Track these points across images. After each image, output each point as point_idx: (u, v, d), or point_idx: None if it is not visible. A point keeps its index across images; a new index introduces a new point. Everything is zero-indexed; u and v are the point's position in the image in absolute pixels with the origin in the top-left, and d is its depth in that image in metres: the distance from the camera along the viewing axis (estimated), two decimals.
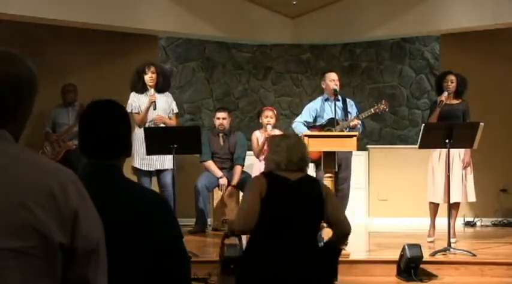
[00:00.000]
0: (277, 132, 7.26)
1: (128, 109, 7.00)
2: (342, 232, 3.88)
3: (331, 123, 6.87)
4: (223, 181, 7.74)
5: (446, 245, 6.29)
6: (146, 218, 2.25)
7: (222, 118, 7.87)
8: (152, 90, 6.95)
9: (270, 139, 4.21)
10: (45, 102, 7.97)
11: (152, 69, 7.03)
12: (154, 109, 6.92)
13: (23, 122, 1.61)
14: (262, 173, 4.05)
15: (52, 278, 1.46)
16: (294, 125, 7.22)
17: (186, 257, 2.35)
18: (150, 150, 6.51)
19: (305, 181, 3.87)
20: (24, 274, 1.42)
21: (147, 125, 6.95)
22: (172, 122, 7.16)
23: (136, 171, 7.06)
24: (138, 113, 7.02)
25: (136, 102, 7.04)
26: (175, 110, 7.29)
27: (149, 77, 6.98)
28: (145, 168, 7.02)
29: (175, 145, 6.29)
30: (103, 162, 2.31)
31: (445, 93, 6.99)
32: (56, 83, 7.94)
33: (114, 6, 7.83)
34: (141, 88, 7.02)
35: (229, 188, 7.79)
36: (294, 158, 3.84)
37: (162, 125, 7.01)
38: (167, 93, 7.22)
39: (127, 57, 8.52)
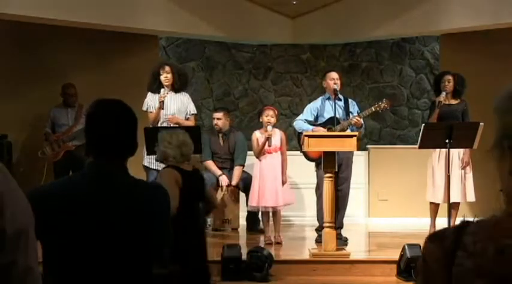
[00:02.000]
0: (277, 131, 7.27)
1: (144, 108, 7.03)
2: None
3: (332, 121, 6.87)
4: (223, 178, 7.75)
5: None
6: (150, 215, 2.34)
7: (216, 119, 7.90)
8: (162, 90, 6.95)
9: (160, 135, 4.84)
10: (44, 102, 8.00)
11: (167, 69, 7.00)
12: (162, 108, 6.91)
13: None
14: (169, 166, 4.67)
15: None
16: (294, 123, 7.23)
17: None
18: (151, 150, 6.50)
19: (195, 171, 4.77)
20: None
21: (160, 125, 6.95)
22: (190, 123, 7.05)
23: (145, 168, 7.09)
24: (152, 112, 7.04)
25: (152, 101, 7.05)
26: (193, 111, 7.18)
27: (164, 77, 6.96)
28: (154, 167, 7.04)
29: None
30: (107, 161, 2.35)
31: (443, 94, 7.00)
32: (55, 83, 7.95)
33: (114, 6, 7.83)
34: (157, 88, 7.02)
35: (230, 188, 7.79)
36: (184, 152, 4.64)
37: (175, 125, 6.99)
38: (184, 93, 7.15)
39: (127, 57, 8.52)
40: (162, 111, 6.96)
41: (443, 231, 1.36)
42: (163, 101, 6.88)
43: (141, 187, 2.43)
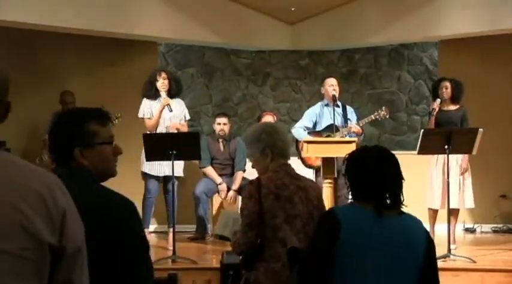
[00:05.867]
0: None
1: (140, 115, 7.08)
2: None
3: (330, 128, 6.87)
4: (223, 187, 7.73)
5: (446, 252, 6.28)
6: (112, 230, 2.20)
7: (222, 124, 7.86)
8: (164, 93, 6.97)
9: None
10: (43, 109, 7.97)
11: (163, 75, 7.08)
12: (171, 111, 6.93)
13: None
14: None
15: (40, 279, 1.47)
16: (293, 130, 7.22)
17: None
18: (149, 156, 6.50)
19: None
20: (14, 275, 1.42)
21: (160, 131, 6.96)
22: (185, 128, 7.19)
23: (145, 175, 7.08)
24: (149, 118, 7.05)
25: (148, 107, 7.08)
26: (188, 117, 7.35)
27: (161, 83, 7.01)
28: (154, 173, 7.04)
29: (174, 151, 6.28)
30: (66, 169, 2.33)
31: (438, 101, 7.02)
32: (54, 90, 7.92)
33: (113, 13, 7.82)
34: (154, 95, 7.05)
35: (230, 193, 7.74)
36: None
37: (174, 131, 7.03)
38: (179, 99, 7.24)
39: (126, 63, 8.52)
40: (161, 118, 6.98)
41: (252, 180, 3.43)
42: (169, 104, 6.90)
43: (101, 197, 2.26)
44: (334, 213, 2.67)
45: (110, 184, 2.37)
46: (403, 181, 2.66)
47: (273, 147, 3.46)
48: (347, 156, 2.79)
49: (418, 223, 2.70)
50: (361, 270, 2.56)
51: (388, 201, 2.63)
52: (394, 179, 2.65)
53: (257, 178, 3.41)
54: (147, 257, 2.26)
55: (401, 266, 2.59)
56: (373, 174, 2.63)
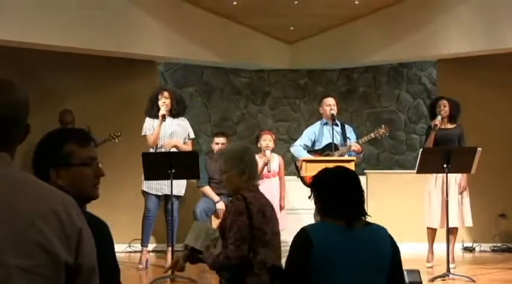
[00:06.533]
0: (275, 156, 7.26)
1: (142, 133, 7.11)
2: None
3: (330, 147, 6.88)
4: (221, 205, 7.72)
5: (445, 271, 6.26)
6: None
7: (221, 143, 7.87)
8: (163, 109, 6.98)
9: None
10: (41, 130, 7.96)
11: (165, 94, 7.08)
12: (164, 120, 6.94)
13: (17, 145, 1.62)
14: None
15: None
16: (292, 149, 7.22)
17: None
18: (148, 175, 6.50)
19: None
20: None
21: (158, 150, 6.96)
22: (187, 147, 7.17)
23: (144, 193, 7.06)
24: (151, 135, 7.06)
25: (150, 125, 7.11)
26: (192, 135, 7.33)
27: (163, 103, 7.02)
28: (153, 192, 7.02)
29: (173, 171, 6.28)
30: None
31: (439, 117, 7.03)
32: (52, 110, 7.87)
33: (113, 32, 7.85)
34: (155, 114, 7.06)
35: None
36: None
37: (173, 149, 7.02)
38: (182, 118, 7.26)
39: (125, 82, 8.53)
40: (160, 136, 6.98)
41: (238, 197, 3.61)
42: (164, 115, 6.90)
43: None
44: (305, 231, 2.85)
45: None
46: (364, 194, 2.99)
47: (251, 169, 3.71)
48: (313, 178, 3.02)
49: (383, 231, 2.95)
50: (336, 281, 2.78)
51: (355, 215, 2.92)
52: (360, 194, 2.95)
53: (242, 196, 3.58)
54: (118, 280, 2.23)
55: (372, 274, 2.82)
56: (343, 191, 2.89)
